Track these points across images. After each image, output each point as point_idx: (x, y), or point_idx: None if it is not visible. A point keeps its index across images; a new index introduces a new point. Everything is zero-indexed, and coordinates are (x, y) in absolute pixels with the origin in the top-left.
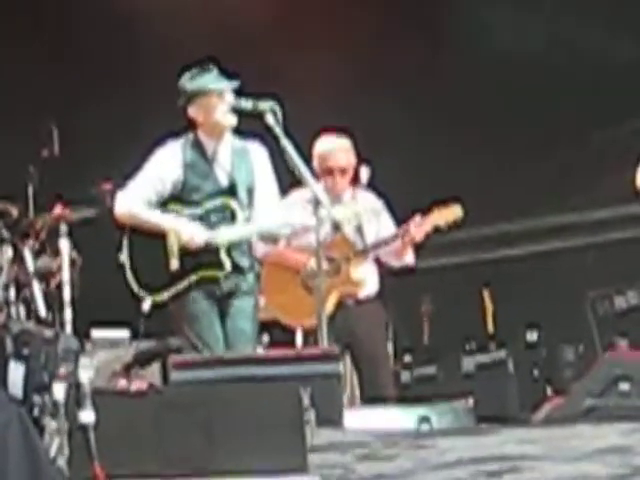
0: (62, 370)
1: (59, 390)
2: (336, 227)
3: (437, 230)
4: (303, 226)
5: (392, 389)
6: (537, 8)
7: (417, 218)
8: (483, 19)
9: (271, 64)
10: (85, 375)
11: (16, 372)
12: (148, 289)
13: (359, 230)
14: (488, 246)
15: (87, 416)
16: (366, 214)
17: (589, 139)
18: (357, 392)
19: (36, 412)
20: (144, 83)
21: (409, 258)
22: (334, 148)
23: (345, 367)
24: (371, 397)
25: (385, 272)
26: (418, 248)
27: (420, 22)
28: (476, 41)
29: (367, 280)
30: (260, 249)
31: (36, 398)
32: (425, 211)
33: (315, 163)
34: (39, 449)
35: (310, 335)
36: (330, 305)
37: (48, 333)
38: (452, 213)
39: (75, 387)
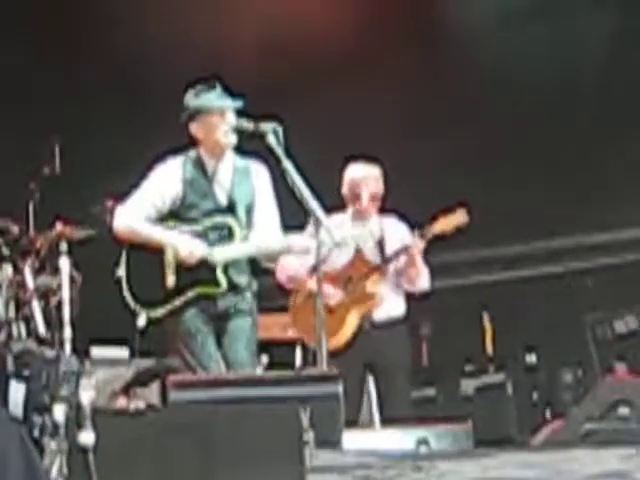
0: (63, 391)
1: (59, 411)
2: (357, 249)
3: (444, 237)
4: (302, 247)
5: (408, 412)
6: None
7: (416, 232)
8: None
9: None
10: (86, 396)
11: (17, 392)
12: (144, 305)
13: (379, 249)
14: (488, 269)
15: (87, 437)
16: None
17: (587, 165)
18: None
19: (36, 432)
20: (147, 102)
21: (423, 282)
22: (366, 175)
23: (366, 387)
24: (386, 419)
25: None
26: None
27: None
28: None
29: (384, 296)
30: (283, 276)
31: (36, 418)
32: (429, 220)
33: (345, 189)
34: (39, 469)
35: (332, 356)
36: (350, 325)
37: (49, 353)
38: (457, 218)
39: (75, 408)
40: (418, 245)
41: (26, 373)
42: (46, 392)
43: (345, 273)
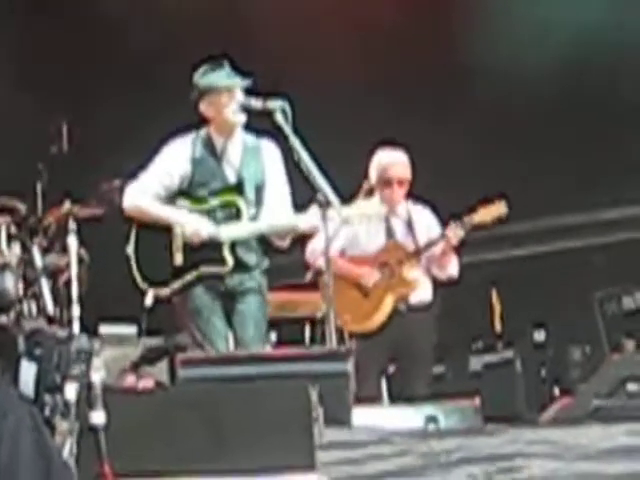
0: (74, 371)
1: (71, 391)
2: (389, 234)
3: (482, 227)
4: (311, 226)
5: (426, 392)
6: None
7: (452, 223)
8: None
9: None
10: (97, 376)
11: (28, 371)
12: (152, 283)
13: (411, 235)
14: (496, 246)
15: (98, 417)
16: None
17: (599, 141)
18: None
19: (47, 412)
20: (156, 80)
21: (453, 269)
22: (394, 161)
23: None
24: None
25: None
26: (459, 251)
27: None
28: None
29: (420, 282)
30: (313, 257)
31: (47, 398)
32: (469, 210)
33: (373, 174)
34: (51, 448)
35: (364, 337)
36: (386, 308)
37: (61, 333)
38: (496, 210)
39: (87, 388)
40: (457, 235)
41: (38, 352)
42: (57, 372)
43: (380, 258)
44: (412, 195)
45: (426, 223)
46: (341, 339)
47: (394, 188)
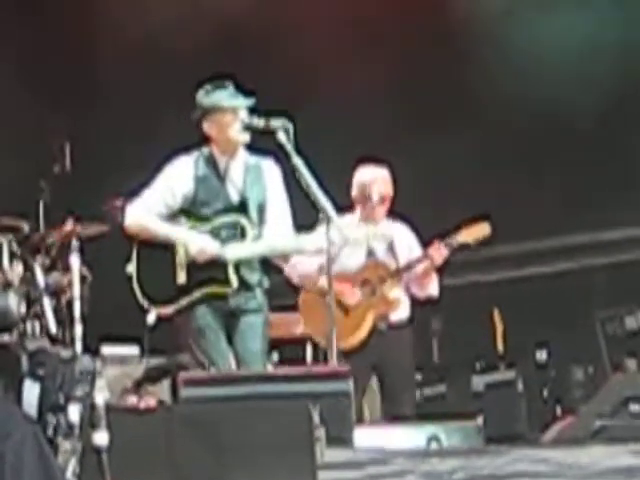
0: (78, 391)
1: (74, 411)
2: (369, 252)
3: (466, 248)
4: (315, 247)
5: (412, 410)
6: None
7: (436, 242)
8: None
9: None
10: (100, 397)
11: (31, 391)
12: (154, 301)
13: (392, 253)
14: (498, 266)
15: (101, 438)
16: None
17: (600, 161)
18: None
19: (50, 432)
20: (158, 99)
21: (433, 289)
22: (375, 178)
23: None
24: (392, 415)
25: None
26: (441, 271)
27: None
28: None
29: (401, 301)
30: (294, 274)
31: (50, 418)
32: (452, 230)
33: (354, 191)
34: (54, 467)
35: (345, 356)
36: (367, 325)
37: (65, 353)
38: (480, 231)
39: (90, 408)
40: (441, 255)
41: (41, 372)
42: (61, 392)
43: (361, 276)
44: (395, 213)
45: (407, 242)
46: (324, 358)
47: (374, 205)
